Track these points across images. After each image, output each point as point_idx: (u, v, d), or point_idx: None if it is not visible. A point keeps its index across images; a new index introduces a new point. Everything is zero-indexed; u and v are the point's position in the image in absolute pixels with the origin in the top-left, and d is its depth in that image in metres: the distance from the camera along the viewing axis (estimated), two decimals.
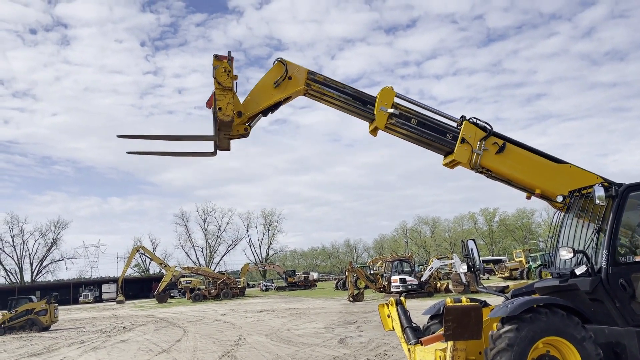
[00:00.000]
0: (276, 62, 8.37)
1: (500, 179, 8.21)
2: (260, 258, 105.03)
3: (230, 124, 8.06)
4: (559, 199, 7.75)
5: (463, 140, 8.04)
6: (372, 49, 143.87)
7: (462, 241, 8.59)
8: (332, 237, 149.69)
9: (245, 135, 8.40)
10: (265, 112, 8.47)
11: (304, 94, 8.53)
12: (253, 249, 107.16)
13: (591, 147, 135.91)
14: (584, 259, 6.82)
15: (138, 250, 71.44)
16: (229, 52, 8.05)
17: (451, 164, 8.32)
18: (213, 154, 8.68)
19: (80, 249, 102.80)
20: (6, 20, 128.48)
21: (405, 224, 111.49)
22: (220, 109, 7.92)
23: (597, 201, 6.70)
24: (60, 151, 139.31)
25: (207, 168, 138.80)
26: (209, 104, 8.39)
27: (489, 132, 8.09)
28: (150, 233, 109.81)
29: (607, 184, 7.11)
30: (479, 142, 8.03)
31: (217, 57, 8.01)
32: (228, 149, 8.71)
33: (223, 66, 7.95)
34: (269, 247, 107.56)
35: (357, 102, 8.38)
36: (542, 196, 8.12)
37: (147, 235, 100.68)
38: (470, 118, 8.22)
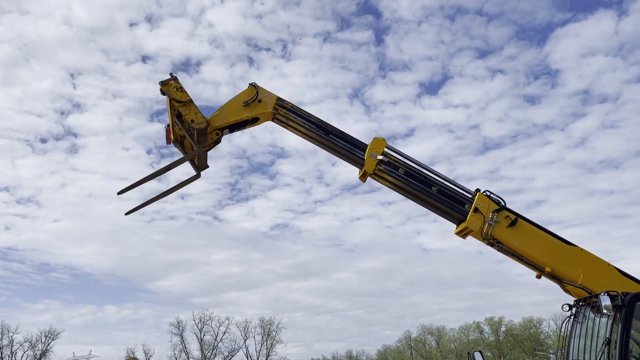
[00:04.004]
0: (249, 85, 8.88)
1: (511, 252, 8.21)
2: None
3: (206, 131, 8.29)
4: (565, 307, 7.63)
5: (476, 210, 8.21)
6: None
7: (469, 353, 8.32)
8: (334, 348, 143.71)
9: (218, 141, 8.69)
10: (231, 128, 8.83)
11: (272, 119, 9.03)
12: None
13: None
14: None
15: None
16: (171, 73, 8.33)
17: (463, 233, 8.42)
18: (197, 176, 8.85)
19: None
20: (19, 130, 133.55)
21: (409, 334, 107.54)
22: (192, 120, 8.16)
23: (604, 311, 6.57)
24: (59, 257, 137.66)
25: (206, 275, 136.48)
26: (168, 139, 8.68)
27: (502, 206, 8.25)
28: (144, 343, 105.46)
29: (614, 293, 7.00)
30: (491, 214, 8.18)
31: (162, 83, 8.25)
32: (207, 165, 8.93)
33: (174, 86, 8.22)
34: (267, 359, 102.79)
35: (319, 131, 8.87)
36: (552, 276, 8.02)
37: (140, 345, 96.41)
38: (485, 191, 8.43)
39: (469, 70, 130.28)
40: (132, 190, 8.64)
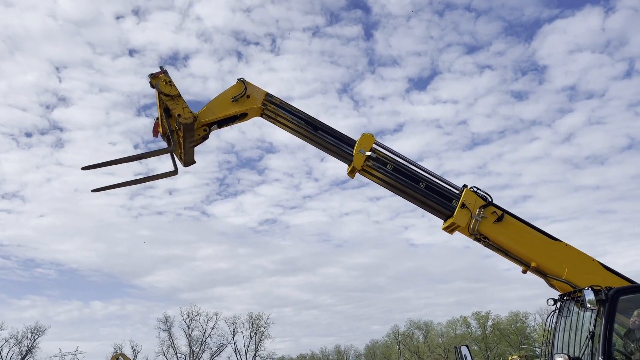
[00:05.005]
0: (237, 81, 8.87)
1: (497, 248, 8.30)
2: None
3: (192, 127, 8.24)
4: (550, 302, 7.73)
5: (463, 206, 8.27)
6: None
7: (456, 347, 8.40)
8: (322, 343, 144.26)
9: (206, 137, 8.67)
10: (220, 124, 8.82)
11: (261, 115, 9.05)
12: (239, 356, 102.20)
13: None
14: None
15: (117, 358, 67.95)
16: (161, 67, 8.35)
17: (450, 229, 8.48)
18: (175, 172, 8.80)
19: (55, 358, 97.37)
20: (3, 124, 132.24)
21: (397, 329, 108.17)
22: (179, 115, 8.11)
23: (588, 305, 6.66)
24: (45, 253, 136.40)
25: (194, 270, 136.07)
26: (155, 132, 8.66)
27: (488, 202, 8.32)
28: (131, 339, 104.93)
29: (597, 287, 7.09)
30: (478, 209, 8.24)
31: (152, 76, 8.29)
32: (193, 161, 8.89)
33: (163, 80, 8.22)
34: (255, 354, 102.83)
35: (308, 127, 8.88)
36: (538, 271, 8.13)
37: (128, 341, 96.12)
38: (472, 187, 8.48)
39: (457, 66, 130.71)
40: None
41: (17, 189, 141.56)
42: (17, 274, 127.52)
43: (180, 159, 8.80)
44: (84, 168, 8.41)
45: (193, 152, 8.78)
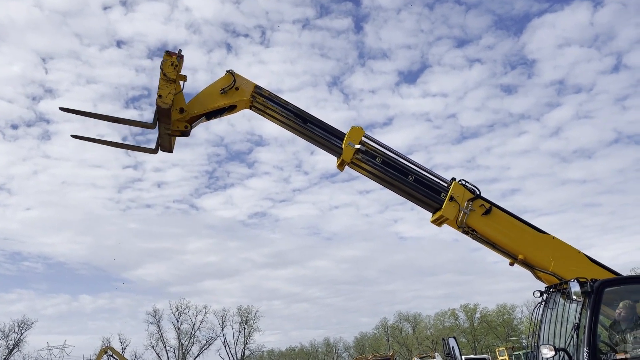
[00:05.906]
0: (226, 73, 8.86)
1: (485, 240, 8.36)
2: (235, 359, 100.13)
3: (168, 113, 8.21)
4: (536, 294, 7.80)
5: (451, 199, 8.32)
6: None
7: (443, 339, 8.47)
8: (312, 336, 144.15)
9: (185, 133, 8.66)
10: (208, 116, 8.82)
11: (250, 107, 9.04)
12: (228, 349, 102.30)
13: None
14: (566, 357, 6.73)
15: (106, 352, 67.61)
16: (180, 50, 8.35)
17: (439, 221, 8.53)
18: (154, 151, 8.86)
19: (43, 351, 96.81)
20: None
21: (386, 321, 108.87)
22: (160, 96, 8.09)
23: (573, 297, 6.74)
24: (32, 246, 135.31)
25: (183, 263, 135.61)
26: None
27: (476, 195, 8.36)
28: (120, 333, 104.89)
29: (583, 279, 7.17)
30: (466, 202, 8.29)
31: (168, 53, 8.31)
32: (170, 149, 8.88)
33: (171, 60, 8.25)
34: (244, 347, 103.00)
35: (297, 119, 8.88)
36: (525, 263, 8.19)
37: (116, 335, 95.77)
38: (460, 180, 8.51)
39: (447, 60, 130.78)
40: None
41: (3, 181, 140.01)
42: (4, 268, 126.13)
43: (157, 141, 8.79)
44: (61, 108, 8.80)
45: (169, 140, 8.74)
